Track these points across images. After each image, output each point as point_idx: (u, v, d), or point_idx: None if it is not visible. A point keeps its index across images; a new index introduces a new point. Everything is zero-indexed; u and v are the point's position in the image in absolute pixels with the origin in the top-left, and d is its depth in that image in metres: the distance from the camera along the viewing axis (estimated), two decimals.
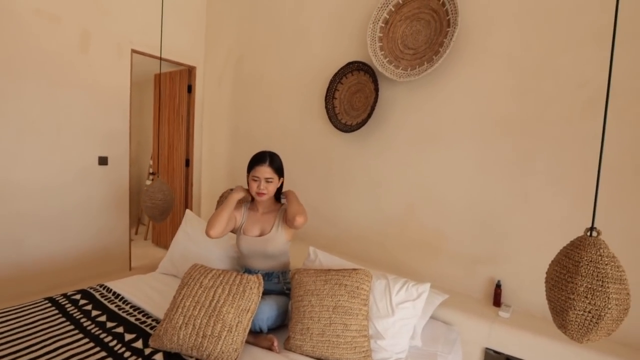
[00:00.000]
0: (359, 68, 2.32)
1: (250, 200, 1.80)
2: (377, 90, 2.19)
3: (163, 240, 3.92)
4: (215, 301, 1.30)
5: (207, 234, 1.58)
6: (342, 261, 1.63)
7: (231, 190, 2.67)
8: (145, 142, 4.92)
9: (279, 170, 1.69)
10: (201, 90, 3.64)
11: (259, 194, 1.62)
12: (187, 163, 3.69)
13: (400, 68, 2.08)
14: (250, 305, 1.30)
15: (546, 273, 1.11)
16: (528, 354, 1.54)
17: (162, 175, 3.92)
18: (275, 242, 1.63)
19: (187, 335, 1.25)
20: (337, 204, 2.51)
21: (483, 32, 1.87)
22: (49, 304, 1.58)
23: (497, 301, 1.79)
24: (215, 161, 3.52)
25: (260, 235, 1.67)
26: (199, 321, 1.26)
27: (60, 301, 1.61)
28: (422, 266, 2.10)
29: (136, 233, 4.47)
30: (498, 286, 1.80)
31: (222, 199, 2.63)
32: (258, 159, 1.65)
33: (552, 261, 1.11)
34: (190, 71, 3.62)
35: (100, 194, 2.94)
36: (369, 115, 2.21)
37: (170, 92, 3.87)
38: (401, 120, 2.19)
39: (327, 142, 2.56)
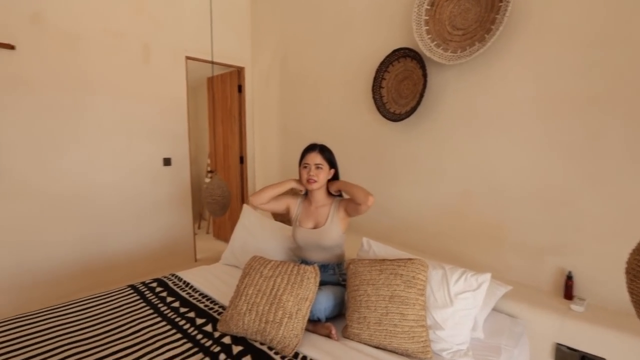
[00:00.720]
0: (405, 55, 2.26)
1: (303, 193, 1.85)
2: (425, 76, 2.12)
3: (223, 234, 4.17)
4: (275, 290, 1.37)
5: (249, 198, 1.71)
6: (395, 251, 1.62)
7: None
8: (201, 143, 5.24)
9: (329, 160, 1.71)
10: (250, 89, 3.78)
11: (309, 180, 1.66)
12: (242, 160, 3.87)
13: (449, 51, 1.99)
14: (309, 294, 1.35)
15: (626, 263, 1.01)
16: (608, 352, 1.42)
17: (219, 172, 4.15)
18: (329, 234, 1.67)
19: (251, 320, 1.34)
20: (389, 194, 2.49)
21: (540, 2, 1.72)
22: (131, 291, 1.77)
23: (568, 294, 1.67)
24: (267, 157, 3.65)
25: (315, 227, 1.71)
26: (261, 308, 1.34)
27: (140, 288, 1.80)
28: (483, 257, 2.02)
29: (199, 227, 4.80)
30: (569, 278, 1.67)
31: None
32: (308, 148, 1.74)
33: (634, 249, 1.00)
34: (239, 72, 3.77)
35: (166, 192, 3.20)
36: (418, 102, 2.15)
37: (222, 94, 4.07)
38: (453, 105, 2.10)
39: (376, 132, 2.54)
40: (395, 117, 2.33)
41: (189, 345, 1.32)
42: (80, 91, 2.64)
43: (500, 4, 1.78)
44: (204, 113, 5.05)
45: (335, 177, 1.78)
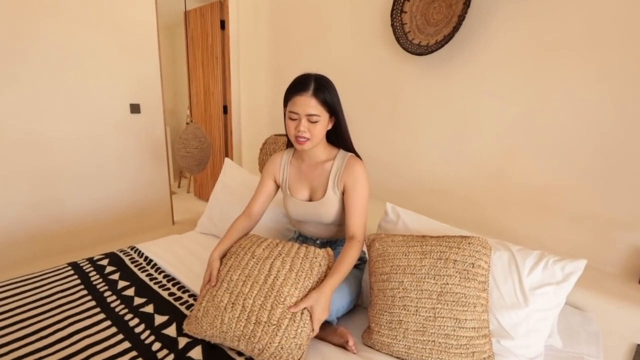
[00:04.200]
0: None
1: (290, 147, 1.31)
2: None
3: (205, 193, 3.70)
4: (272, 277, 0.94)
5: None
6: (436, 223, 1.16)
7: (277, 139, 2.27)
8: (182, 92, 4.61)
9: (329, 105, 1.10)
10: (236, 25, 3.14)
11: (298, 139, 1.10)
12: (225, 110, 3.33)
13: None
14: None
15: None
16: None
17: (200, 124, 3.60)
18: (332, 207, 1.17)
19: (233, 318, 0.91)
20: (403, 150, 2.03)
21: None
22: (72, 272, 1.31)
23: None
24: (256, 107, 3.10)
25: (310, 199, 1.22)
26: (250, 302, 0.92)
27: (84, 268, 1.34)
28: (525, 227, 1.61)
29: (179, 186, 4.31)
30: None
31: (265, 147, 2.25)
32: (298, 86, 1.10)
33: None
34: (221, 4, 3.13)
35: (135, 145, 2.69)
36: (455, 29, 1.63)
37: (201, 30, 3.42)
38: (503, 33, 1.59)
39: (392, 71, 2.02)
40: (420, 50, 1.80)
41: None
42: (17, 19, 2.02)
43: None
44: (184, 56, 4.38)
45: (337, 126, 1.17)
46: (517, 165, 1.62)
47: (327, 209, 1.17)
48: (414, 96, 1.94)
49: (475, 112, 1.72)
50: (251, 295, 0.94)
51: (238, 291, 0.95)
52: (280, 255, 0.99)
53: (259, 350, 0.89)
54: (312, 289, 0.94)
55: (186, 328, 1.00)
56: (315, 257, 0.97)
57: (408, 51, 1.85)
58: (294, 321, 0.90)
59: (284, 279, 0.94)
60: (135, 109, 2.68)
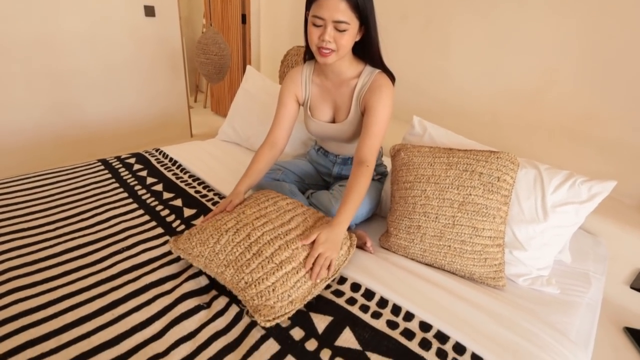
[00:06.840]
0: None
1: (309, 59, 1.17)
2: None
3: (222, 109, 3.67)
4: (290, 227, 0.89)
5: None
6: (463, 139, 1.14)
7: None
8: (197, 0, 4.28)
9: (361, 10, 0.92)
10: None
11: (321, 50, 0.96)
12: (244, 19, 3.11)
13: None
14: (337, 259, 0.88)
15: None
16: None
17: None
18: (356, 128, 1.13)
19: (232, 242, 0.84)
20: (433, 68, 1.91)
21: None
22: (102, 167, 1.37)
23: None
24: (276, 15, 2.89)
25: (333, 120, 1.16)
26: (258, 233, 0.85)
27: (114, 164, 1.40)
28: (550, 155, 1.58)
29: (195, 100, 4.27)
30: None
31: (286, 59, 2.15)
32: None
33: None
34: None
35: (151, 51, 2.59)
36: None
37: None
38: None
39: None
40: None
41: None
42: None
43: None
44: None
45: (366, 38, 1.01)
46: (554, 90, 1.53)
47: (351, 130, 1.13)
48: (450, 11, 1.77)
49: (520, 28, 1.57)
50: (261, 229, 0.86)
51: (248, 222, 0.88)
52: (304, 214, 0.95)
53: (246, 283, 0.77)
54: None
55: (172, 244, 0.89)
56: None
57: None
58: (297, 272, 0.80)
59: (301, 233, 0.88)
60: (149, 11, 2.53)
